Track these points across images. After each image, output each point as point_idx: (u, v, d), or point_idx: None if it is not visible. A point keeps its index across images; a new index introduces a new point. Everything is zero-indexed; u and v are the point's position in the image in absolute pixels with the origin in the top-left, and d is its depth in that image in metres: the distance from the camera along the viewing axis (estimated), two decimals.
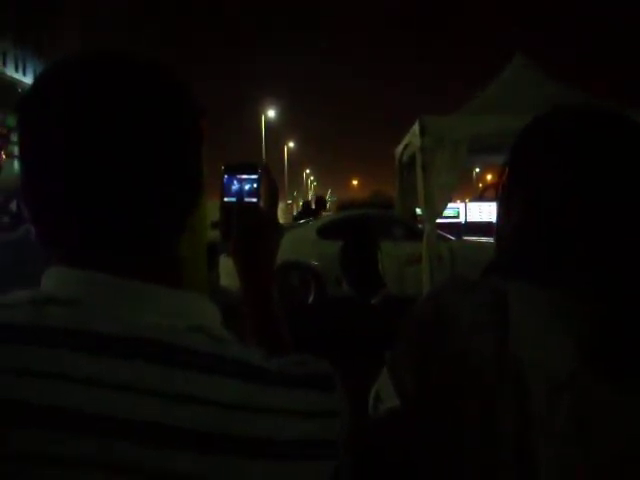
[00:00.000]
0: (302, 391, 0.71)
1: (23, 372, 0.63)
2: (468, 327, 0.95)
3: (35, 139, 0.72)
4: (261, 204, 1.02)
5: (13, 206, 7.21)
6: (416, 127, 7.64)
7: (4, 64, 53.06)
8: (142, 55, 0.77)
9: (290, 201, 45.28)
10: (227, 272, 8.31)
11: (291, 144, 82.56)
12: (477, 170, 44.30)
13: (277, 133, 72.42)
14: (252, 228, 1.01)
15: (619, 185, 0.92)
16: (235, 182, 1.03)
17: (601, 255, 0.91)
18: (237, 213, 1.01)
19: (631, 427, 0.86)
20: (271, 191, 1.03)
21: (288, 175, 76.68)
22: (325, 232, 10.62)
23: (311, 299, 10.23)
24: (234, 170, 1.04)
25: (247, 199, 1.02)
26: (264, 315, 1.01)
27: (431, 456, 0.99)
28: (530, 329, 0.92)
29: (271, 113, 53.25)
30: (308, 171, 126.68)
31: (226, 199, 1.03)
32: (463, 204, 19.95)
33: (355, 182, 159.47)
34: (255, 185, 1.02)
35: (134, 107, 0.72)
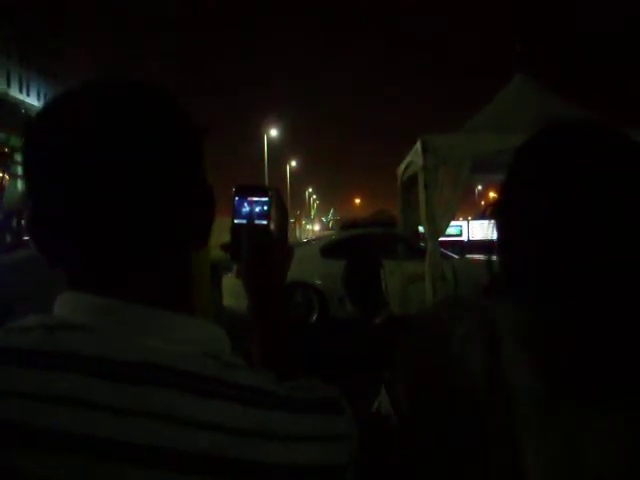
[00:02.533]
0: (312, 416, 0.71)
1: (33, 396, 0.63)
2: (459, 350, 0.96)
3: (40, 163, 0.73)
4: (271, 227, 1.02)
5: (14, 223, 7.21)
6: (418, 146, 7.67)
7: (8, 85, 53.46)
8: (143, 81, 0.79)
9: (292, 220, 45.44)
10: (230, 291, 8.31)
11: (293, 163, 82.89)
12: (479, 188, 44.41)
13: (279, 152, 72.67)
14: (262, 250, 1.01)
15: (609, 204, 0.90)
16: (246, 204, 1.03)
17: (587, 274, 0.91)
18: (247, 235, 1.01)
19: (612, 447, 0.86)
20: (281, 214, 1.03)
21: (291, 194, 76.85)
22: (328, 251, 10.64)
23: (314, 318, 10.23)
24: (245, 192, 1.03)
25: (257, 221, 1.02)
26: (273, 337, 1.00)
27: (423, 471, 0.99)
28: (514, 351, 0.92)
29: (273, 132, 53.48)
30: (310, 190, 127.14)
31: (236, 221, 1.02)
32: (466, 222, 19.97)
33: (357, 200, 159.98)
34: (266, 207, 1.02)
35: (137, 131, 0.73)
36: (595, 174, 0.91)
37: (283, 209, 1.03)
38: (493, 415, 0.91)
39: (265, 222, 1.01)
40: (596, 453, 0.87)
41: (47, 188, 0.72)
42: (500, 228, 1.00)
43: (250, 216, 1.02)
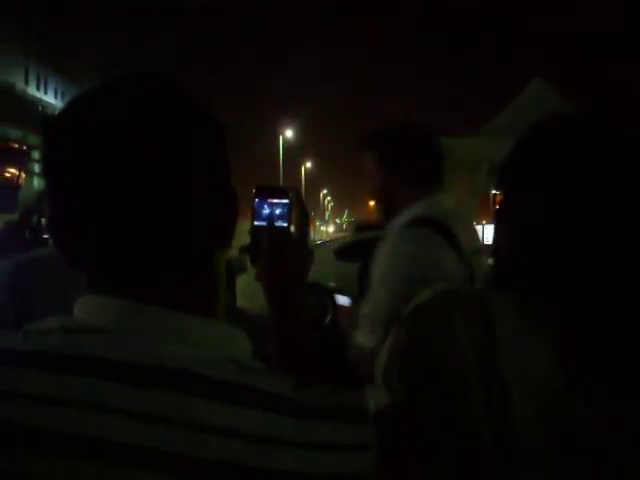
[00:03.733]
0: (335, 424, 0.69)
1: (45, 399, 0.63)
2: (454, 338, 0.94)
3: (59, 163, 0.72)
4: (292, 229, 1.01)
5: (34, 219, 7.23)
6: None
7: (26, 82, 53.88)
8: (163, 77, 0.78)
9: None
10: (244, 293, 8.31)
11: (308, 164, 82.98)
12: (495, 192, 44.32)
13: (294, 153, 72.79)
14: (282, 252, 1.00)
15: (607, 201, 0.89)
16: (266, 206, 1.02)
17: (584, 271, 0.90)
18: (267, 237, 1.00)
19: (614, 449, 0.85)
20: (302, 216, 1.02)
21: (305, 196, 76.88)
22: (342, 253, 10.64)
23: (328, 320, 10.23)
24: (265, 194, 1.02)
25: (278, 223, 1.01)
26: (293, 340, 0.99)
27: (413, 463, 0.97)
28: (513, 345, 0.91)
29: (289, 133, 53.49)
30: (325, 191, 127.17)
31: (256, 223, 1.01)
32: (480, 226, 19.89)
33: (372, 203, 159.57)
34: (286, 209, 1.01)
35: (155, 130, 0.72)
36: (591, 171, 0.91)
37: (304, 211, 1.02)
38: (489, 399, 0.89)
39: (285, 224, 1.00)
40: (596, 449, 0.85)
41: (66, 188, 0.71)
42: (500, 228, 1.00)
43: (270, 218, 1.01)
